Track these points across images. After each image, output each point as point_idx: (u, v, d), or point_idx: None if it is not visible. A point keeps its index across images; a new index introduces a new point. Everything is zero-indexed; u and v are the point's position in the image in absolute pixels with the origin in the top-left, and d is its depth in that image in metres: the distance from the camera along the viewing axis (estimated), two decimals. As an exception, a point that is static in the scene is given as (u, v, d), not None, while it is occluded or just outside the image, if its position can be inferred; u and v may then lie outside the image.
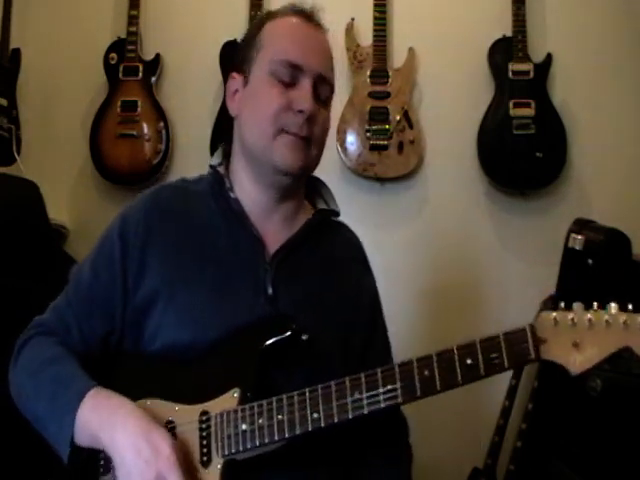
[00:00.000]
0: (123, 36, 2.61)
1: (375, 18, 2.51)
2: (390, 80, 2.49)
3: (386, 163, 2.45)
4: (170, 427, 1.10)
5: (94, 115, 2.58)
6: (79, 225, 2.62)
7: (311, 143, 1.22)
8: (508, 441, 2.14)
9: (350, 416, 1.02)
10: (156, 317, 1.17)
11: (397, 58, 2.55)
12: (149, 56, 2.63)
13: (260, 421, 1.05)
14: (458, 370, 0.99)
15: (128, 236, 1.20)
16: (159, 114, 2.57)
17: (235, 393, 1.09)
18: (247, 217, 1.23)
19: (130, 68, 2.59)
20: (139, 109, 2.55)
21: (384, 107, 2.46)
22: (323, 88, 1.23)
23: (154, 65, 2.61)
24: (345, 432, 1.11)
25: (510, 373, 2.09)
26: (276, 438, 1.04)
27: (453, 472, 2.25)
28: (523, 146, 2.40)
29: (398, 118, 2.45)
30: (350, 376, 1.04)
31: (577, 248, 1.84)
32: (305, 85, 1.19)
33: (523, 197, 2.47)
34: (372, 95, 2.48)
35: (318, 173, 1.33)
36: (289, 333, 1.10)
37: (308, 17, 1.25)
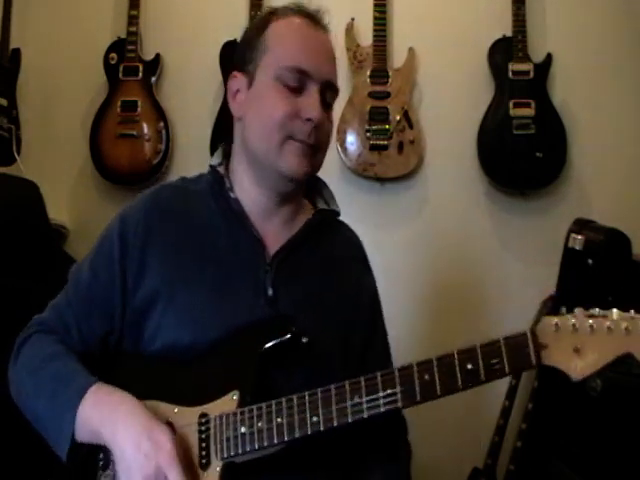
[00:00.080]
0: (123, 36, 2.61)
1: (375, 18, 2.51)
2: (390, 80, 2.49)
3: (386, 163, 2.45)
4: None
5: (94, 115, 2.57)
6: (79, 225, 2.62)
7: (318, 150, 1.22)
8: (508, 441, 2.14)
9: (350, 420, 1.02)
10: (156, 317, 1.17)
11: (397, 58, 2.55)
12: (149, 56, 2.63)
13: (259, 424, 1.05)
14: (458, 375, 0.98)
15: (127, 236, 1.20)
16: (159, 114, 2.57)
17: (234, 395, 1.08)
18: (247, 217, 1.22)
19: (130, 68, 2.59)
20: (139, 109, 2.55)
21: (384, 107, 2.46)
22: (329, 93, 1.22)
23: (154, 65, 2.61)
24: (344, 435, 1.11)
25: (510, 373, 2.09)
26: (275, 441, 1.04)
27: (453, 472, 2.25)
28: (523, 146, 2.40)
29: (398, 118, 2.45)
30: (350, 380, 1.03)
31: (577, 248, 1.84)
32: (313, 93, 1.18)
33: (523, 197, 2.47)
34: (372, 95, 2.48)
35: (318, 173, 1.33)
36: (289, 336, 1.09)
37: (314, 19, 1.23)
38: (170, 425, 1.09)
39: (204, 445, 1.07)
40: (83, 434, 1.09)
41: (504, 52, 2.47)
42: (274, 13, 1.24)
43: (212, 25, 2.64)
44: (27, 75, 2.66)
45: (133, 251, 1.19)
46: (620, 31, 2.51)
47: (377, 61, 2.50)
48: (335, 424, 1.02)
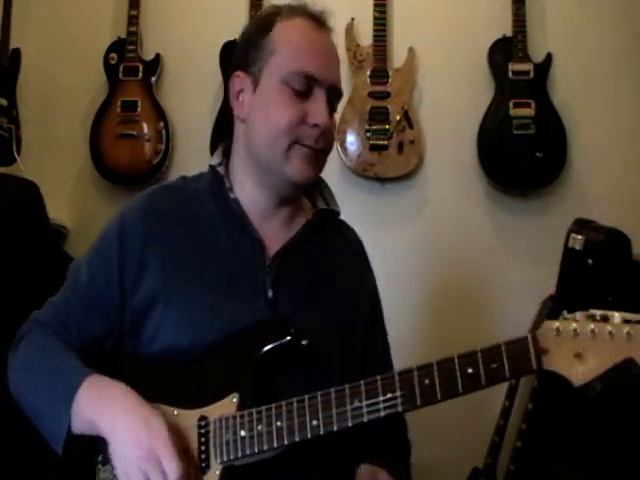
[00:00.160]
0: (123, 36, 2.61)
1: (375, 18, 2.51)
2: (390, 80, 2.49)
3: (386, 163, 2.45)
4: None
5: (94, 115, 2.58)
6: (79, 225, 2.62)
7: (323, 155, 1.22)
8: (508, 441, 2.15)
9: (350, 424, 1.01)
10: (155, 319, 1.17)
11: (397, 58, 2.55)
12: (149, 56, 2.63)
13: (259, 427, 1.04)
14: (459, 380, 0.97)
15: (126, 237, 1.20)
16: (159, 114, 2.57)
17: (234, 398, 1.08)
18: (247, 218, 1.22)
19: (130, 68, 2.59)
20: (139, 109, 2.55)
21: (384, 107, 2.46)
22: (335, 97, 1.22)
23: (154, 65, 2.61)
24: (344, 438, 1.10)
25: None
26: (275, 445, 1.04)
27: (453, 472, 2.25)
28: (523, 146, 2.40)
29: (398, 118, 2.45)
30: (350, 384, 1.03)
31: (577, 248, 1.84)
32: (320, 98, 1.18)
33: (523, 197, 2.47)
34: (372, 95, 2.48)
35: (318, 173, 1.33)
36: (288, 338, 1.09)
37: (320, 21, 1.22)
38: (170, 428, 1.09)
39: (203, 448, 1.07)
40: (80, 425, 1.09)
41: (504, 52, 2.47)
42: (279, 13, 1.22)
43: (212, 25, 2.64)
44: (27, 75, 2.65)
45: (132, 252, 1.19)
46: (620, 31, 2.51)
47: (377, 61, 2.50)
48: (335, 428, 1.02)
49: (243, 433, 1.05)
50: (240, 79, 1.22)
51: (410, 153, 2.46)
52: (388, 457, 1.15)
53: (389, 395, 1.00)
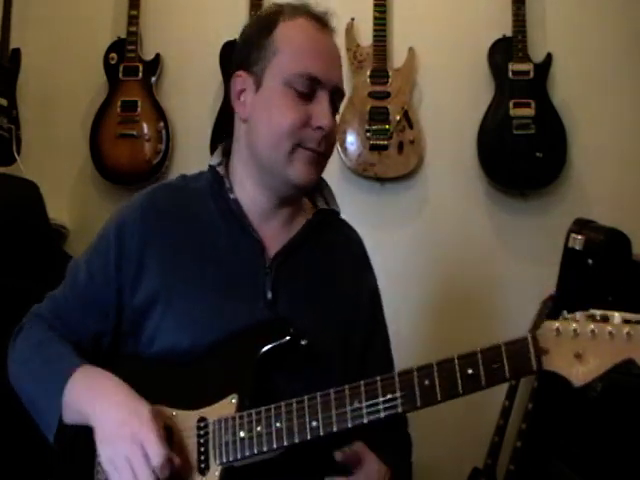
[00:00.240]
0: (123, 36, 2.61)
1: (375, 18, 2.51)
2: (390, 80, 2.49)
3: (386, 163, 2.45)
4: (168, 433, 1.09)
5: (94, 115, 2.58)
6: (79, 225, 2.62)
7: (326, 157, 1.22)
8: (508, 441, 2.15)
9: (349, 425, 1.01)
10: (155, 319, 1.17)
11: (397, 58, 2.55)
12: (149, 56, 2.63)
13: (258, 429, 1.04)
14: (459, 380, 0.97)
15: (125, 237, 1.20)
16: (159, 114, 2.57)
17: (233, 399, 1.08)
18: (247, 219, 1.22)
19: (130, 68, 2.59)
20: (139, 109, 2.55)
21: (384, 107, 2.46)
22: (337, 98, 1.22)
23: (154, 65, 2.61)
24: (344, 439, 1.10)
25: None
26: (274, 446, 1.03)
27: (453, 472, 2.25)
28: (523, 146, 2.40)
29: (398, 118, 2.45)
30: (349, 385, 1.03)
31: (577, 248, 1.84)
32: (323, 100, 1.17)
33: (523, 197, 2.47)
34: (372, 95, 2.48)
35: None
36: (288, 338, 1.09)
37: (322, 22, 1.21)
38: (169, 429, 1.09)
39: (203, 449, 1.07)
40: (70, 415, 1.10)
41: (504, 52, 2.47)
42: (281, 12, 1.21)
43: (212, 25, 2.64)
44: (27, 75, 2.65)
45: (130, 252, 1.19)
46: (620, 31, 2.51)
47: (377, 61, 2.50)
48: (335, 429, 1.01)
49: (242, 434, 1.05)
50: (242, 79, 1.21)
51: (410, 153, 2.46)
52: (388, 456, 1.15)
53: (389, 396, 1.00)
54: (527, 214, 2.49)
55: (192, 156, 2.57)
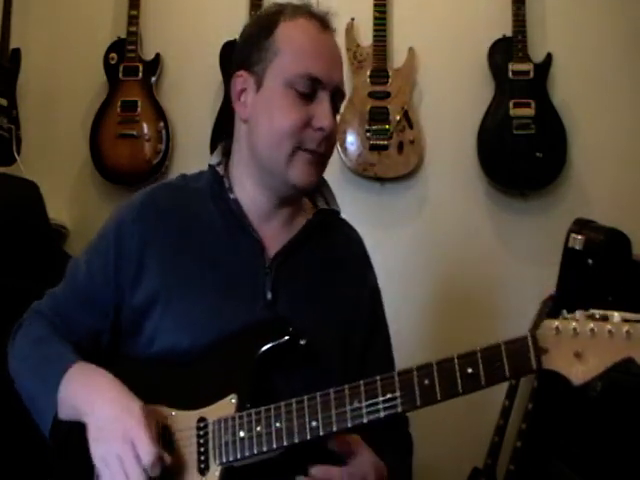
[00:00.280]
0: (123, 36, 2.61)
1: (375, 18, 2.51)
2: (390, 80, 2.49)
3: (386, 163, 2.45)
4: (167, 434, 1.09)
5: (94, 115, 2.58)
6: (79, 225, 2.62)
7: (326, 158, 1.22)
8: (508, 441, 2.15)
9: (349, 425, 1.01)
10: (154, 319, 1.17)
11: (397, 58, 2.55)
12: (149, 56, 2.63)
13: (258, 429, 1.04)
14: (459, 380, 0.97)
15: (124, 237, 1.20)
16: (159, 114, 2.57)
17: (233, 399, 1.08)
18: (247, 219, 1.21)
19: (130, 68, 2.59)
20: (139, 109, 2.55)
21: (384, 107, 2.46)
22: (338, 99, 1.22)
23: (154, 65, 2.61)
24: None
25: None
26: (274, 446, 1.03)
27: (453, 472, 2.26)
28: (523, 146, 2.40)
29: (398, 118, 2.45)
30: (349, 384, 1.02)
31: (577, 248, 1.85)
32: (324, 101, 1.17)
33: (523, 197, 2.47)
34: (372, 95, 2.48)
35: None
36: (287, 338, 1.08)
37: (324, 22, 1.21)
38: (167, 428, 1.09)
39: (202, 450, 1.07)
40: (65, 410, 1.11)
41: (504, 52, 2.47)
42: (282, 12, 1.21)
43: (212, 25, 2.64)
44: (27, 75, 2.66)
45: (129, 253, 1.19)
46: (620, 31, 2.51)
47: (377, 61, 2.50)
48: (335, 429, 1.01)
49: (242, 434, 1.05)
50: (242, 79, 1.21)
51: (410, 153, 2.46)
52: (386, 455, 1.14)
53: (389, 395, 1.00)
54: (527, 214, 2.49)
55: (192, 156, 2.57)
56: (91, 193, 2.67)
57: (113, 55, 2.60)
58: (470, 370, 0.97)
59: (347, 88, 2.44)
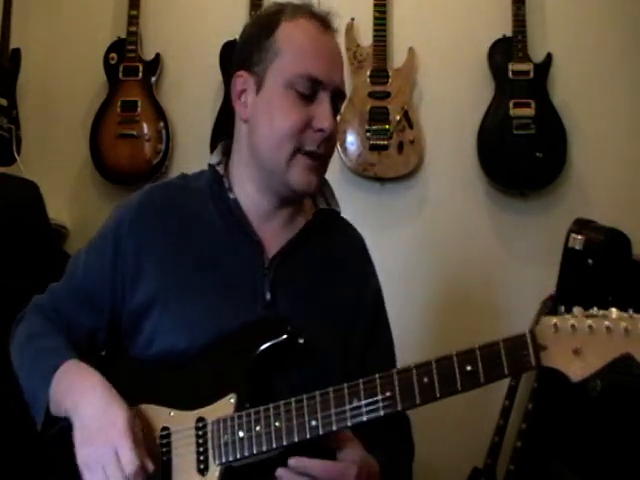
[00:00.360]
0: (123, 36, 2.61)
1: (375, 18, 2.51)
2: (390, 80, 2.49)
3: (386, 163, 2.45)
4: (165, 434, 1.09)
5: (94, 115, 2.58)
6: (79, 225, 2.62)
7: (326, 160, 1.21)
8: (508, 441, 2.15)
9: (349, 424, 1.01)
10: (153, 321, 1.17)
11: (397, 58, 2.55)
12: (149, 56, 2.63)
13: (257, 428, 1.04)
14: (458, 377, 0.97)
15: (121, 237, 1.20)
16: (159, 114, 2.57)
17: (231, 399, 1.08)
18: (246, 219, 1.21)
19: (130, 68, 2.59)
20: (139, 109, 2.55)
21: (384, 107, 2.46)
22: (339, 100, 1.22)
23: (154, 65, 2.61)
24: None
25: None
26: (274, 446, 1.03)
27: (453, 472, 2.26)
28: (523, 146, 2.40)
29: (398, 118, 2.45)
30: (348, 383, 1.02)
31: (577, 248, 1.85)
32: (325, 101, 1.17)
33: (523, 197, 2.47)
34: (372, 95, 2.48)
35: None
36: (285, 337, 1.08)
37: (325, 23, 1.20)
38: (166, 430, 1.09)
39: (202, 450, 1.07)
40: (53, 407, 1.12)
41: (504, 52, 2.47)
42: (282, 12, 1.20)
43: (212, 25, 2.63)
44: (27, 75, 2.65)
45: (127, 254, 1.19)
46: (620, 31, 2.51)
47: (377, 61, 2.50)
48: (334, 428, 1.01)
49: (241, 434, 1.05)
50: (243, 79, 1.21)
51: (410, 153, 2.46)
52: (379, 455, 1.13)
53: (388, 393, 1.00)
54: (527, 214, 2.49)
55: (192, 156, 2.57)
56: (91, 193, 2.67)
57: (113, 55, 2.60)
58: (469, 368, 0.97)
59: (347, 88, 2.46)
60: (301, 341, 1.09)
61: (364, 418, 1.00)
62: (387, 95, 2.48)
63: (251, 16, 2.51)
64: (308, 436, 1.02)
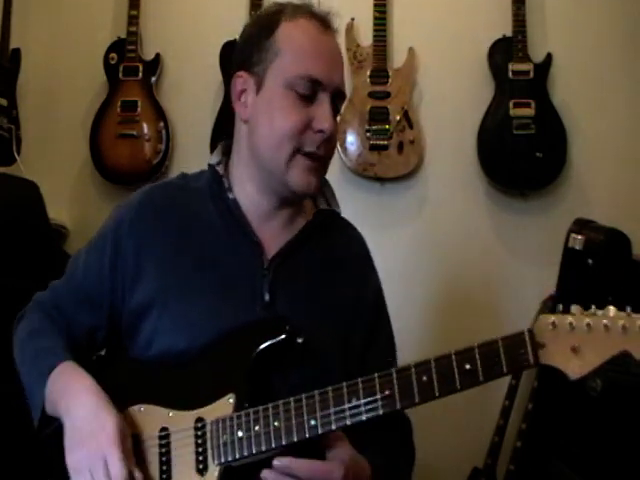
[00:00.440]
0: (123, 36, 2.61)
1: (375, 18, 2.51)
2: (390, 80, 2.49)
3: (386, 163, 2.45)
4: (164, 434, 1.09)
5: (94, 115, 2.58)
6: (79, 225, 2.63)
7: (326, 161, 1.21)
8: (508, 441, 2.15)
9: (348, 423, 1.01)
10: (152, 321, 1.17)
11: (397, 58, 2.55)
12: (149, 56, 2.63)
13: (256, 428, 1.04)
14: (457, 376, 0.98)
15: (121, 237, 1.20)
16: (159, 114, 2.57)
17: (230, 399, 1.08)
18: (246, 220, 1.21)
19: (130, 68, 2.59)
20: (139, 109, 2.55)
21: (384, 107, 2.46)
22: (339, 100, 1.21)
23: (154, 65, 2.61)
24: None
25: (510, 373, 2.09)
26: (273, 445, 1.03)
27: (453, 472, 2.26)
28: (523, 146, 2.40)
29: (398, 118, 2.45)
30: (347, 382, 1.02)
31: (577, 248, 1.85)
32: (325, 102, 1.16)
33: (523, 197, 2.47)
34: (372, 95, 2.48)
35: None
36: (283, 336, 1.08)
37: (326, 23, 1.20)
38: (165, 430, 1.09)
39: (201, 450, 1.07)
40: (50, 406, 1.12)
41: (504, 52, 2.47)
42: (282, 12, 1.20)
43: (212, 25, 2.63)
44: (27, 75, 2.65)
45: (127, 254, 1.19)
46: (620, 31, 2.51)
47: (377, 61, 2.50)
48: (333, 427, 1.01)
49: (240, 434, 1.05)
50: (243, 79, 1.20)
51: (410, 153, 2.46)
52: (371, 455, 1.12)
53: (387, 392, 1.00)
54: (527, 214, 2.49)
55: (192, 156, 2.57)
56: (91, 193, 2.67)
57: (113, 55, 2.60)
58: (468, 366, 0.98)
59: (347, 88, 2.46)
60: (300, 341, 1.09)
61: (363, 417, 1.00)
62: (387, 95, 2.48)
63: (251, 16, 2.51)
64: (307, 435, 1.02)
